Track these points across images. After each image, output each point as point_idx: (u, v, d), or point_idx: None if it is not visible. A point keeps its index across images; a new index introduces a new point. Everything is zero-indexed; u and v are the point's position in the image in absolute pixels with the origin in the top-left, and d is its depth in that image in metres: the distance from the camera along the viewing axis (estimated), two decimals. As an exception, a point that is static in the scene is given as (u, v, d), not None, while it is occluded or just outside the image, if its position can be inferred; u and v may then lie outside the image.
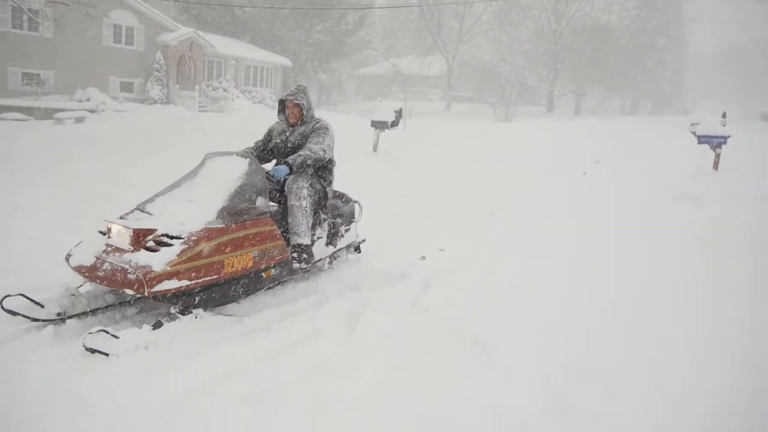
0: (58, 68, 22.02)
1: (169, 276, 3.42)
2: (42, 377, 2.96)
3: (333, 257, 5.16)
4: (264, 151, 4.94)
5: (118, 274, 3.41)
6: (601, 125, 26.00)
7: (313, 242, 4.59)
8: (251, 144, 5.00)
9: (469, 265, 5.44)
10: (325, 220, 4.85)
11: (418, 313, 4.12)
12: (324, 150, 4.55)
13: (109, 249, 3.63)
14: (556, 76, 43.69)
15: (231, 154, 4.32)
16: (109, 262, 3.50)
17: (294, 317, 3.98)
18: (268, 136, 4.96)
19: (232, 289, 3.98)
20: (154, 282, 3.36)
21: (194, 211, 3.82)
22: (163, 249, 3.53)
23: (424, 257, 5.58)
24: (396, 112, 13.02)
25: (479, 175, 11.63)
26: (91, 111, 19.83)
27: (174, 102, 24.80)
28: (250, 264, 3.98)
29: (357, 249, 5.54)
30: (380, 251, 5.77)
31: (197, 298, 3.75)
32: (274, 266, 4.27)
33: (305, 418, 2.77)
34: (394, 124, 13.09)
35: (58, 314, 3.68)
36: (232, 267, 3.82)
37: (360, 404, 2.91)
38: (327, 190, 4.83)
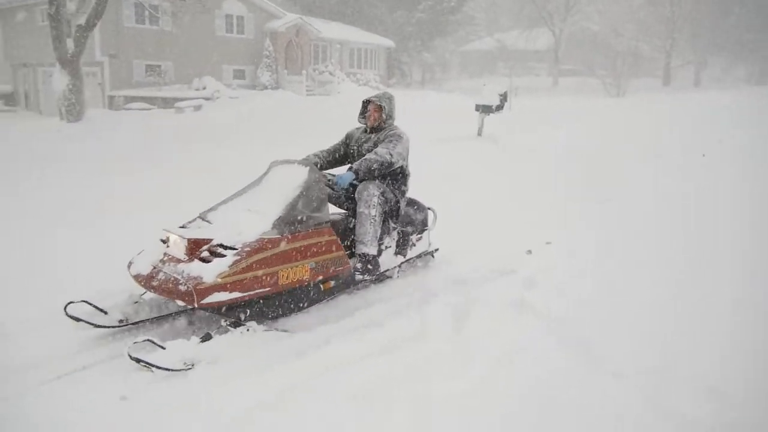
0: (176, 59, 23.42)
1: (219, 288, 3.37)
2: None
3: (401, 267, 4.98)
4: (337, 155, 4.83)
5: (171, 284, 3.40)
6: (724, 98, 24.21)
7: (380, 252, 4.50)
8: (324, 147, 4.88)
9: (576, 260, 5.31)
10: (394, 228, 4.72)
11: (523, 311, 4.11)
12: (391, 155, 4.36)
13: (166, 258, 3.64)
14: (673, 46, 40.91)
15: (293, 162, 4.21)
16: (164, 272, 3.50)
17: (402, 312, 4.09)
18: (345, 141, 4.87)
19: (288, 301, 3.92)
20: (204, 294, 3.32)
21: (253, 220, 3.76)
22: (216, 260, 3.49)
23: (530, 251, 5.55)
24: (500, 95, 12.80)
25: (589, 159, 11.23)
26: (207, 99, 21.03)
27: (283, 87, 25.71)
28: (307, 276, 3.88)
29: (432, 256, 5.35)
30: (487, 243, 5.81)
31: (250, 311, 3.69)
32: (333, 278, 4.18)
33: (411, 416, 2.88)
34: (499, 108, 12.89)
35: (120, 321, 3.76)
36: (287, 279, 3.74)
37: (465, 405, 2.98)
38: (400, 200, 4.69)
